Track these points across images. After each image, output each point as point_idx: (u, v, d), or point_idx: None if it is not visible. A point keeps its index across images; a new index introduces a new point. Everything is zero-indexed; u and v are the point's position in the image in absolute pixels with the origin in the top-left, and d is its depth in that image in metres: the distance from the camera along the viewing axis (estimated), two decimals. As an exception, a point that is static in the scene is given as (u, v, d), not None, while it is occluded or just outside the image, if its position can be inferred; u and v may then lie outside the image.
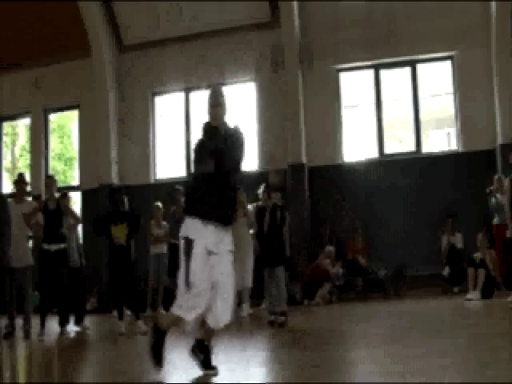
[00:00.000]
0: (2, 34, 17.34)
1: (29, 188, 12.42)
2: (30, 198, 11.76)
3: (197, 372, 5.27)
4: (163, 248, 13.29)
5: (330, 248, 14.03)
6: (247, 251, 11.81)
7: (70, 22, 16.79)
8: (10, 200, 10.22)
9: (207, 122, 5.63)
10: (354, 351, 6.53)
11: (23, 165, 24.16)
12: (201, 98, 16.76)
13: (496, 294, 11.67)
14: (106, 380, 5.57)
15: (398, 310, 11.15)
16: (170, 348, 5.56)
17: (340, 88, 15.86)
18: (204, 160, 5.40)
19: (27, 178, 12.71)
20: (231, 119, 5.62)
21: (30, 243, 10.76)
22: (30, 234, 10.41)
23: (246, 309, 11.68)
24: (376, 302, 13.04)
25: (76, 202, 17.59)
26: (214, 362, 5.32)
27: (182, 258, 5.28)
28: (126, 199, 9.93)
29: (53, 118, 20.08)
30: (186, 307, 5.21)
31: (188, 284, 5.17)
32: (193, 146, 5.72)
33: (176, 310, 5.28)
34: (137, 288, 9.82)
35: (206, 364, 5.36)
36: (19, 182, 10.45)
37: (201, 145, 5.58)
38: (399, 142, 19.40)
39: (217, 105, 5.58)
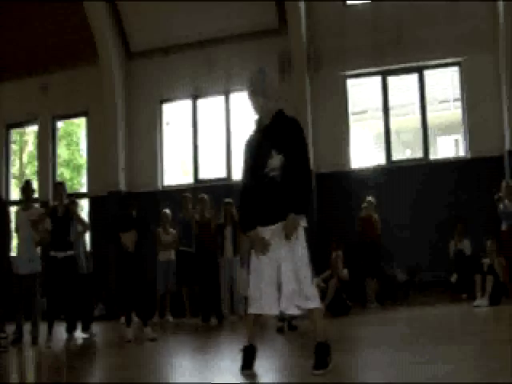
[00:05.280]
0: (10, 41, 17.46)
1: (36, 195, 12.46)
2: (37, 205, 11.80)
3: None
4: (171, 254, 13.31)
5: (339, 252, 13.65)
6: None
7: (77, 29, 16.91)
8: (17, 207, 10.24)
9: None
10: (360, 357, 6.49)
11: (31, 171, 24.26)
12: (208, 105, 16.84)
13: (504, 300, 11.60)
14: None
15: (406, 317, 11.10)
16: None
17: (347, 94, 15.84)
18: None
19: (34, 184, 12.76)
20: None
21: (39, 250, 10.75)
22: (37, 241, 10.39)
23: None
24: (385, 307, 12.97)
25: (84, 208, 17.66)
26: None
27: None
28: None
29: (61, 125, 20.15)
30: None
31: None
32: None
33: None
34: (145, 295, 9.78)
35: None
36: (26, 189, 10.47)
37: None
38: (407, 149, 19.39)
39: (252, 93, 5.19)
